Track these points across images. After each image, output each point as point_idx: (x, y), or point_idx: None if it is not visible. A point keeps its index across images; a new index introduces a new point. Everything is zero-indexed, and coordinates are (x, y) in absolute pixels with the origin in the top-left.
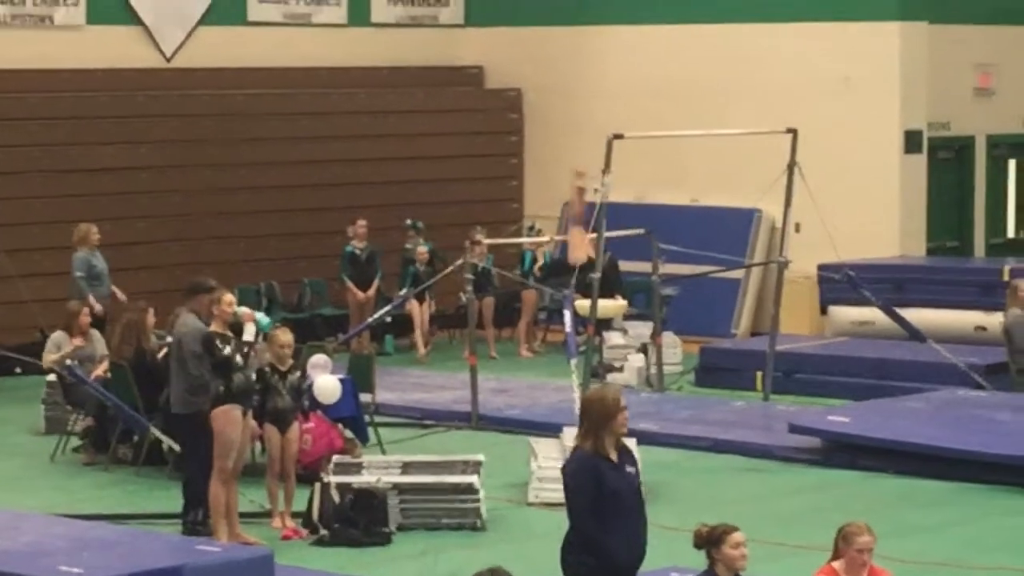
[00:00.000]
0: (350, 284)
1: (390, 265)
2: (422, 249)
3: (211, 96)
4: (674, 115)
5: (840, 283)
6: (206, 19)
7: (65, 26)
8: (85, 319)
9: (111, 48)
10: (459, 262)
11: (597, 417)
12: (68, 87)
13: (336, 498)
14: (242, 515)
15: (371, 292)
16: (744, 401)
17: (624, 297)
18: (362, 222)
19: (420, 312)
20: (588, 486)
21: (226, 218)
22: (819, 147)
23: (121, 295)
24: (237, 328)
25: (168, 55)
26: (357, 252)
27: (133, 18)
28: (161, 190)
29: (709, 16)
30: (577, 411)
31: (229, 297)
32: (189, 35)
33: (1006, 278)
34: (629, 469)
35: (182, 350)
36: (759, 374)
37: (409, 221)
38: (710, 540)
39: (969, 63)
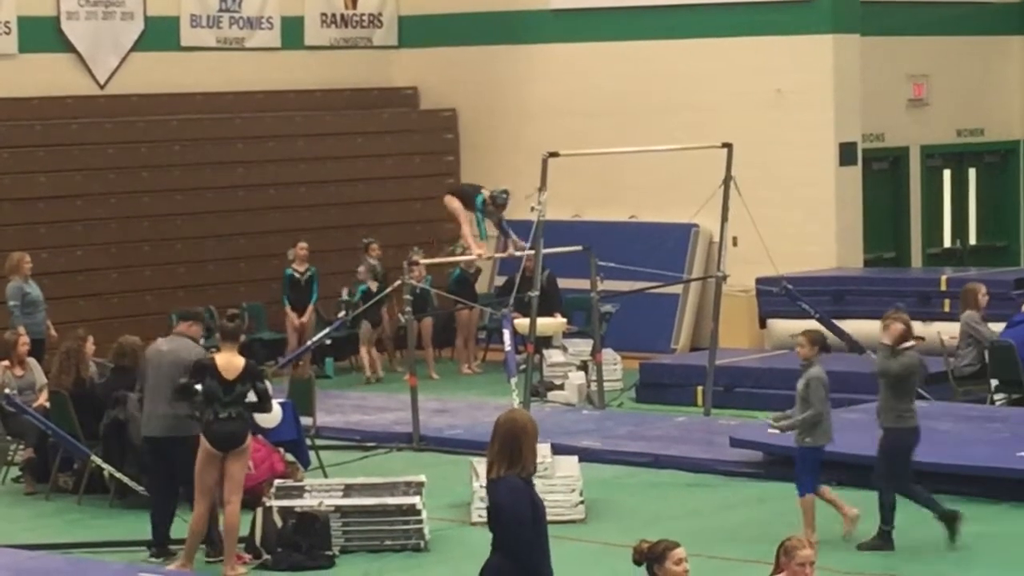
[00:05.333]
0: (288, 308)
1: (330, 287)
2: (361, 269)
3: (146, 122)
4: (610, 132)
5: (778, 296)
6: (139, 45)
7: None
8: (23, 348)
9: (44, 76)
10: (397, 283)
11: (527, 441)
12: (1, 116)
13: (278, 522)
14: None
15: (306, 317)
16: (685, 416)
17: (563, 315)
18: (303, 244)
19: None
20: (527, 515)
21: (163, 244)
22: (755, 161)
23: (52, 331)
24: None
25: (102, 82)
26: (297, 275)
27: (66, 45)
28: (98, 217)
29: (642, 33)
30: (506, 437)
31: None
32: (122, 61)
33: (943, 288)
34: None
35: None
36: (699, 389)
37: (365, 240)
38: (651, 556)
39: (902, 74)
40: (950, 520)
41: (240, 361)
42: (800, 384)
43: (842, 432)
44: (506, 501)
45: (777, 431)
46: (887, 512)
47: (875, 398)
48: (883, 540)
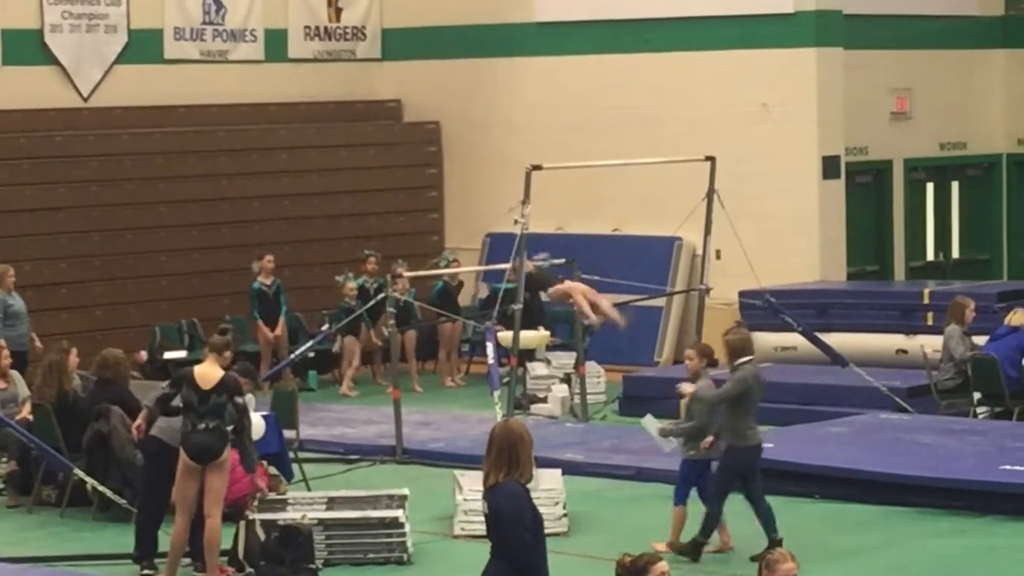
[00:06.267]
0: (260, 322)
1: (313, 300)
2: (351, 285)
3: (129, 135)
4: (593, 145)
5: (761, 309)
6: (123, 58)
7: None
8: (5, 361)
9: (28, 89)
10: (381, 296)
11: (524, 447)
12: None
13: (261, 535)
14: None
15: (279, 331)
16: None
17: (547, 327)
18: (269, 257)
19: (354, 348)
20: (528, 518)
21: (147, 257)
22: (738, 174)
23: (38, 343)
24: None
25: (85, 95)
26: (264, 288)
27: (49, 58)
28: (81, 230)
29: (625, 46)
30: (503, 445)
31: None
32: (106, 74)
33: (926, 301)
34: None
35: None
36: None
37: (367, 251)
38: (633, 571)
39: (885, 88)
40: (694, 549)
41: (218, 372)
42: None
43: (824, 445)
44: (506, 506)
45: (665, 440)
46: (712, 524)
47: (859, 411)
48: (694, 549)
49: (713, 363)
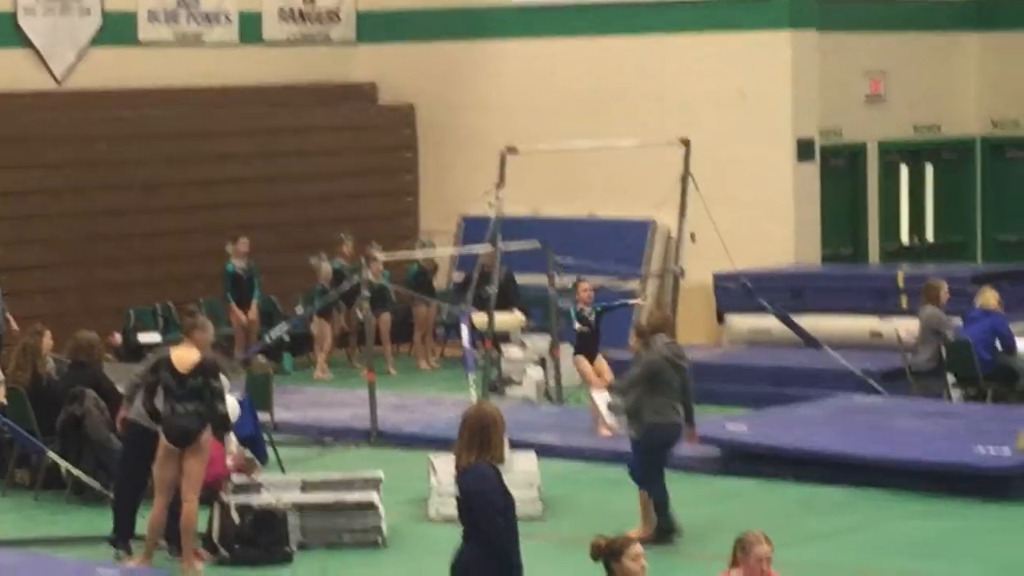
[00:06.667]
0: (233, 305)
1: (287, 283)
2: (327, 268)
3: (103, 118)
4: (568, 128)
5: (736, 292)
6: (97, 40)
7: None
8: None
9: (1, 72)
10: (355, 279)
11: (495, 430)
12: None
13: (236, 519)
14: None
15: (252, 314)
16: None
17: (521, 310)
18: (244, 240)
19: (326, 331)
20: (499, 500)
21: (121, 240)
22: (712, 157)
23: (14, 325)
24: None
25: (59, 77)
26: (239, 271)
27: (23, 41)
28: (55, 213)
29: (600, 29)
30: (475, 427)
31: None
32: (80, 57)
33: (901, 284)
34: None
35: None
36: None
37: (341, 235)
38: (609, 552)
39: (860, 70)
40: (665, 533)
41: (195, 356)
42: None
43: (798, 428)
44: (476, 488)
45: (613, 415)
46: (662, 507)
47: (833, 393)
48: (660, 535)
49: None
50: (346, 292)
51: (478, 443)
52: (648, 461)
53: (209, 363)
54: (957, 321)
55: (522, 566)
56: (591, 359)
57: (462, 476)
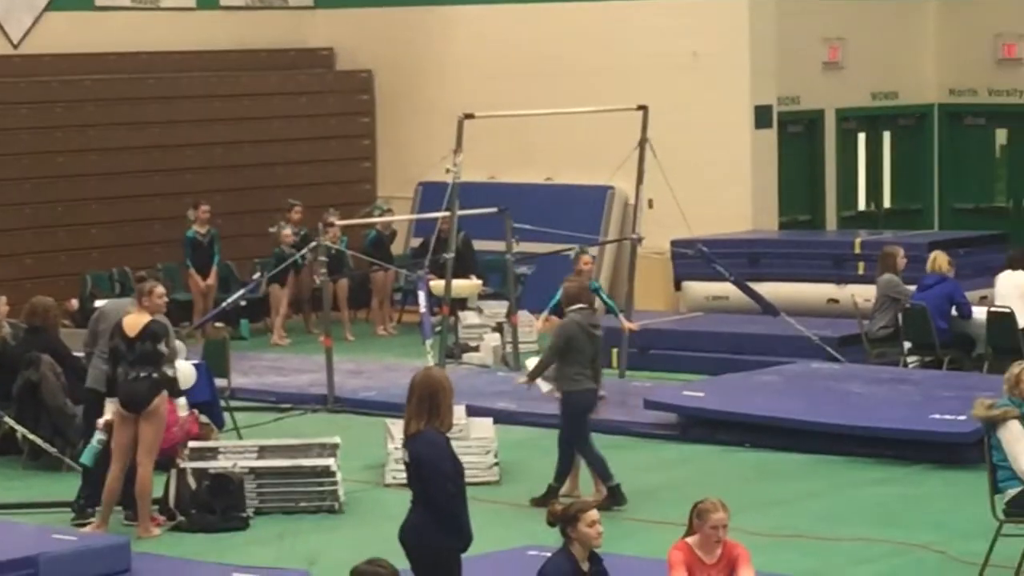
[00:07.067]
0: (192, 270)
1: (245, 248)
2: (287, 232)
3: (60, 82)
4: (526, 94)
5: (693, 258)
6: (53, 5)
7: None
8: None
9: None
10: (312, 244)
11: (444, 396)
12: None
13: (192, 484)
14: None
15: (211, 280)
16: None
17: (479, 276)
18: (204, 206)
19: (281, 296)
20: (448, 467)
21: (78, 205)
22: (670, 123)
23: None
24: None
25: (15, 42)
26: (199, 237)
27: None
28: (11, 178)
29: None
30: (423, 393)
31: (160, 289)
32: (36, 21)
33: (858, 251)
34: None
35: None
36: (614, 351)
37: (291, 201)
38: (565, 518)
39: (818, 37)
40: (613, 494)
41: (144, 319)
42: None
43: (755, 395)
44: (426, 453)
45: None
46: (601, 469)
47: (790, 360)
48: (613, 497)
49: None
50: (289, 262)
51: (426, 409)
52: (571, 425)
53: (157, 327)
54: (913, 288)
55: (471, 531)
56: None
57: (411, 442)
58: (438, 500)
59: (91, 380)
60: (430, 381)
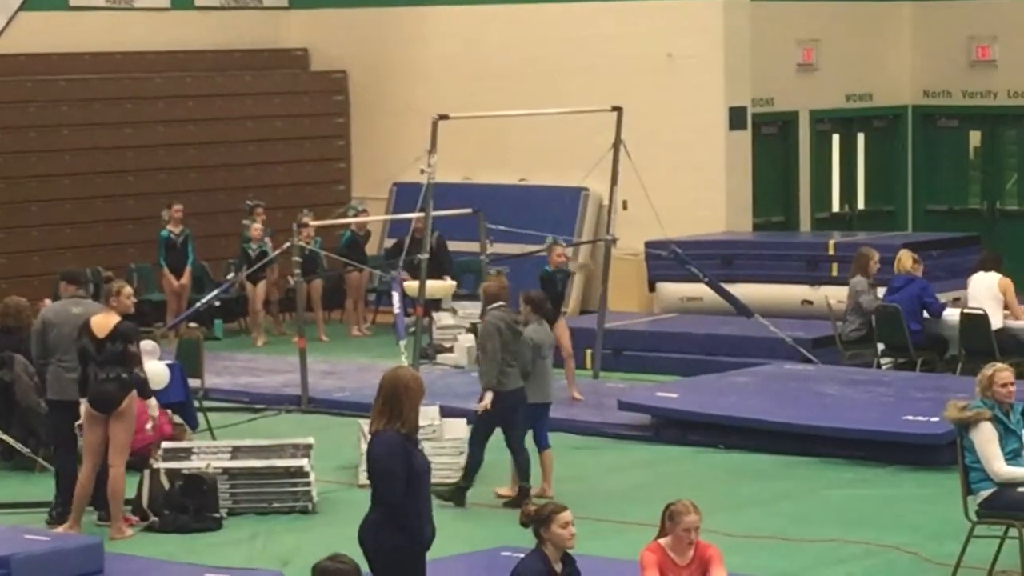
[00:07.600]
0: (166, 270)
1: (218, 249)
2: (256, 227)
3: (34, 82)
4: (500, 95)
5: (667, 260)
6: (27, 5)
7: None
8: None
9: None
10: (286, 245)
11: (408, 397)
12: None
13: (165, 484)
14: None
15: (185, 280)
16: None
17: (453, 277)
18: (178, 206)
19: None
20: (401, 467)
21: (51, 205)
22: (645, 125)
23: None
24: None
25: None
26: (173, 237)
27: None
28: None
29: None
30: (388, 393)
31: (128, 289)
32: (10, 21)
33: (832, 252)
34: (421, 448)
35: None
36: (588, 352)
37: (249, 203)
38: (538, 519)
39: (792, 39)
40: (457, 492)
41: (113, 319)
42: None
43: (729, 396)
44: (378, 453)
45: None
46: (474, 469)
47: (764, 361)
48: (459, 495)
49: (544, 314)
50: (260, 257)
51: (389, 409)
52: (482, 423)
53: (127, 327)
54: (881, 291)
55: (426, 533)
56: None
57: (369, 442)
58: (386, 499)
59: (51, 391)
60: (395, 381)
